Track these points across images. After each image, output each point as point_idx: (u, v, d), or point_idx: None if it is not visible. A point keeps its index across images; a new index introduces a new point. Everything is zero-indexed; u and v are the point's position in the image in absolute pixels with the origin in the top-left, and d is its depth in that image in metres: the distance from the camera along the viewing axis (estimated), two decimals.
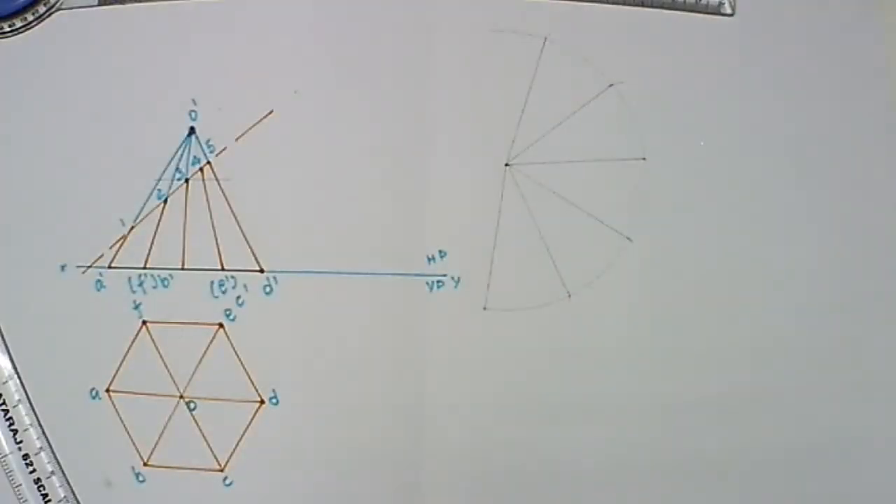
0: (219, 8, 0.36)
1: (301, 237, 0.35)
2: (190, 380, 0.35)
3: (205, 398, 0.35)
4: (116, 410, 0.35)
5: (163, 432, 0.35)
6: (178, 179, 0.35)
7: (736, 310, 0.34)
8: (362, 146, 0.35)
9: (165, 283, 0.35)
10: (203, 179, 0.35)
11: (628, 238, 0.34)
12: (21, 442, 0.35)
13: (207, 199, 0.35)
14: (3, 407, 0.35)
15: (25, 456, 0.35)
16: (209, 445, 0.34)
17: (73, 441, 0.35)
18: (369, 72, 0.35)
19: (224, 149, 0.35)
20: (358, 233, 0.35)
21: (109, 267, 0.35)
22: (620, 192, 0.34)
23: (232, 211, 0.35)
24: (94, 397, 0.35)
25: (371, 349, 0.34)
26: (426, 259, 0.34)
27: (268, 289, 0.35)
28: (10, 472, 0.35)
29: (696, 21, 0.35)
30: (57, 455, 0.35)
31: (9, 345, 0.35)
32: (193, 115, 0.36)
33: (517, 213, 0.34)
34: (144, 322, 0.35)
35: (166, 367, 0.35)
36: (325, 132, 0.35)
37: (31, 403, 0.35)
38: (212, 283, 0.35)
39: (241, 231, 0.35)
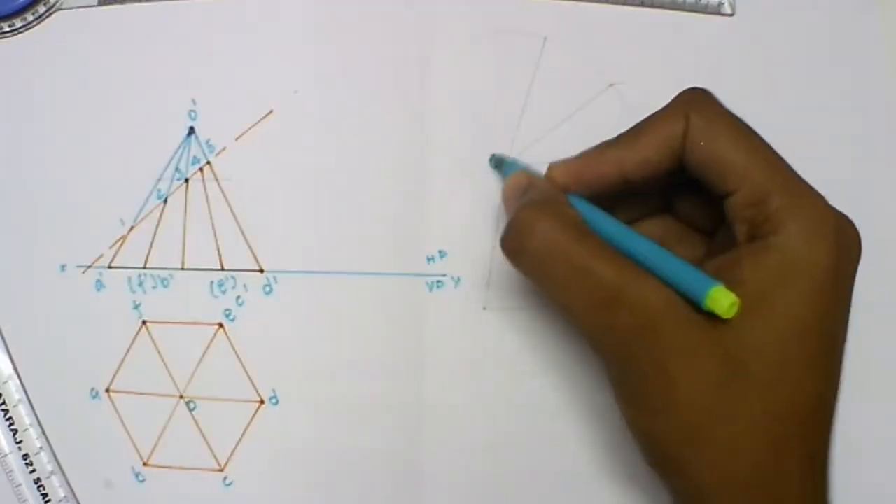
0: (219, 8, 0.36)
1: (301, 237, 0.35)
2: (190, 380, 0.35)
3: (205, 398, 0.35)
4: (116, 410, 0.35)
5: (163, 432, 0.35)
6: (178, 179, 0.35)
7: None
8: (362, 146, 0.35)
9: (165, 283, 0.35)
10: (203, 179, 0.35)
11: None
12: (21, 442, 0.35)
13: (207, 199, 0.35)
14: (3, 407, 0.35)
15: (25, 456, 0.35)
16: (209, 445, 0.34)
17: (73, 441, 0.35)
18: (369, 72, 0.35)
19: (224, 149, 0.35)
20: (358, 233, 0.35)
21: (109, 267, 0.35)
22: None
23: (232, 211, 0.35)
24: (94, 397, 0.35)
25: (371, 349, 0.34)
26: (426, 259, 0.34)
27: (268, 289, 0.35)
28: (10, 472, 0.35)
29: (696, 21, 0.35)
30: (57, 455, 0.35)
31: (9, 345, 0.35)
32: (193, 114, 0.36)
33: None
34: (144, 322, 0.35)
35: (166, 367, 0.35)
36: (324, 132, 0.35)
37: (31, 403, 0.35)
38: (212, 283, 0.35)
39: (241, 231, 0.35)
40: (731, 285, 0.25)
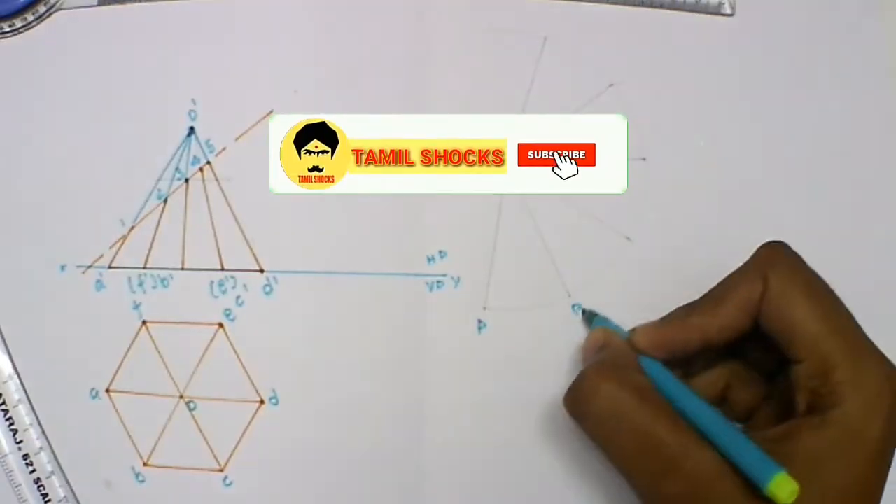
0: (219, 8, 0.36)
1: (301, 237, 0.35)
2: (190, 380, 0.35)
3: (205, 398, 0.35)
4: (116, 410, 0.35)
5: (163, 432, 0.35)
6: (178, 179, 0.35)
7: None
8: None
9: (165, 283, 0.35)
10: (203, 179, 0.35)
11: (628, 238, 0.34)
12: (21, 442, 0.35)
13: (207, 199, 0.35)
14: (3, 407, 0.35)
15: (25, 456, 0.35)
16: (209, 445, 0.34)
17: (73, 441, 0.35)
18: (369, 71, 0.35)
19: (224, 149, 0.35)
20: (358, 233, 0.35)
21: (109, 267, 0.35)
22: (620, 192, 0.34)
23: (232, 211, 0.35)
24: (94, 397, 0.35)
25: (371, 349, 0.34)
26: (426, 259, 0.34)
27: (268, 289, 0.35)
28: (10, 472, 0.35)
29: (696, 21, 0.35)
30: (57, 455, 0.35)
31: (9, 345, 0.35)
32: (193, 114, 0.36)
33: (517, 214, 0.34)
34: (144, 322, 0.35)
35: (166, 367, 0.35)
36: None
37: (31, 403, 0.35)
38: (211, 283, 0.35)
39: (241, 231, 0.35)
40: (787, 455, 0.25)
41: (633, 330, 0.30)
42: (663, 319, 0.30)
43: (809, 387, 0.27)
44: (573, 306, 0.34)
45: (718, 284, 0.29)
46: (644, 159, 0.34)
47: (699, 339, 0.29)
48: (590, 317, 0.33)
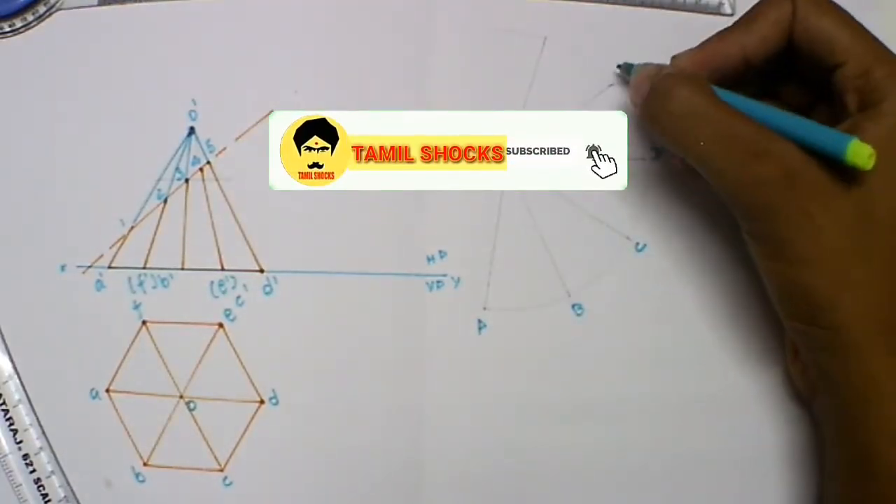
0: (218, 8, 0.36)
1: (301, 237, 0.35)
2: (190, 380, 0.35)
3: (205, 398, 0.35)
4: (116, 410, 0.35)
5: (163, 432, 0.35)
6: (178, 179, 0.35)
7: (736, 309, 0.34)
8: None
9: (165, 283, 0.35)
10: (203, 179, 0.35)
11: (628, 238, 0.34)
12: (21, 442, 0.35)
13: (207, 199, 0.35)
14: (3, 407, 0.35)
15: (25, 456, 0.35)
16: (209, 445, 0.35)
17: (73, 441, 0.35)
18: (369, 72, 0.35)
19: (224, 149, 0.35)
20: (358, 233, 0.35)
21: (109, 267, 0.35)
22: (620, 192, 0.34)
23: (232, 211, 0.35)
24: (94, 397, 0.35)
25: (371, 349, 0.34)
26: (426, 259, 0.34)
27: (268, 289, 0.35)
28: (10, 472, 0.35)
29: (696, 21, 0.35)
30: (57, 455, 0.35)
31: (9, 345, 0.35)
32: (193, 115, 0.36)
33: (517, 213, 0.34)
34: (144, 322, 0.35)
35: (166, 367, 0.35)
36: None
37: (31, 403, 0.35)
38: (211, 283, 0.35)
39: (241, 231, 0.35)
40: None
41: (675, 56, 0.31)
42: (700, 44, 0.31)
43: (855, 86, 0.28)
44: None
45: (747, 11, 0.30)
46: (644, 159, 0.34)
47: (739, 53, 0.30)
48: (627, 67, 0.33)
